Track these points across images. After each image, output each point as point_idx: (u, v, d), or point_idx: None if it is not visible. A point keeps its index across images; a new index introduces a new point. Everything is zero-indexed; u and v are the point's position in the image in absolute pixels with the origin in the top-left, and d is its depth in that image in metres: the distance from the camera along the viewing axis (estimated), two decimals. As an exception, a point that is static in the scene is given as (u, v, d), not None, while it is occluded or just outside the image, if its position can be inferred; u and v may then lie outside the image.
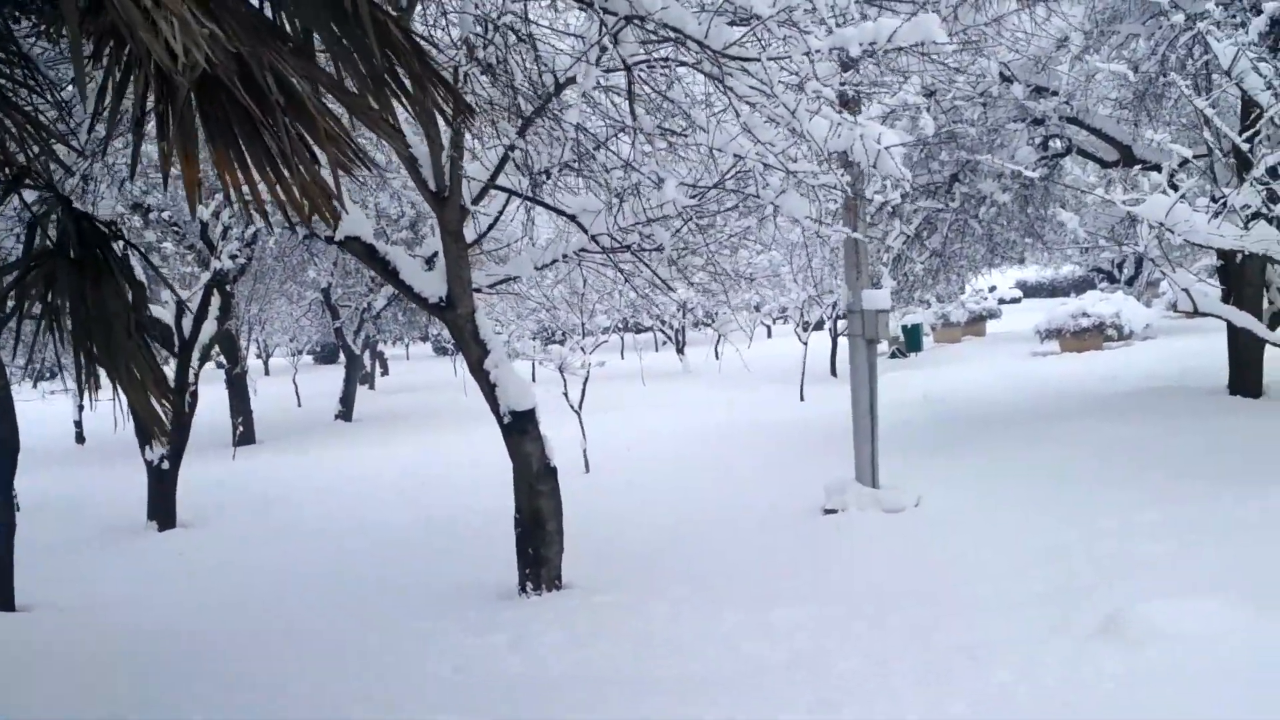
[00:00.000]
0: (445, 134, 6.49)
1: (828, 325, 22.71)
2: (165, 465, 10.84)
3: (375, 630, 6.25)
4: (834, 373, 22.07)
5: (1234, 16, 9.92)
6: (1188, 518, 7.04)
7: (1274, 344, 8.69)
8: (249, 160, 2.75)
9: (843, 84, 7.08)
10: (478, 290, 7.59)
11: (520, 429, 6.82)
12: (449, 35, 6.06)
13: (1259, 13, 8.44)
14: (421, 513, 10.25)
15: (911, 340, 26.72)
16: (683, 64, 5.27)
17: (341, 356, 22.32)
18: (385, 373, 35.28)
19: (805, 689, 4.55)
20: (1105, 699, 3.93)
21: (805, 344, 20.23)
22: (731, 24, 4.64)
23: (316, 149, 2.91)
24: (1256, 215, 8.12)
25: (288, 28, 3.19)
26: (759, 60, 4.39)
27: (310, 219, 3.07)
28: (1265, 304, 14.13)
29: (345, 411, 20.52)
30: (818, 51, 4.37)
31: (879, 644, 5.09)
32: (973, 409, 14.33)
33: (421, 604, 6.78)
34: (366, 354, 27.59)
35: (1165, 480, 8.40)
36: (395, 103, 3.41)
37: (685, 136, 5.73)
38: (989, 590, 5.88)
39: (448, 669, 5.39)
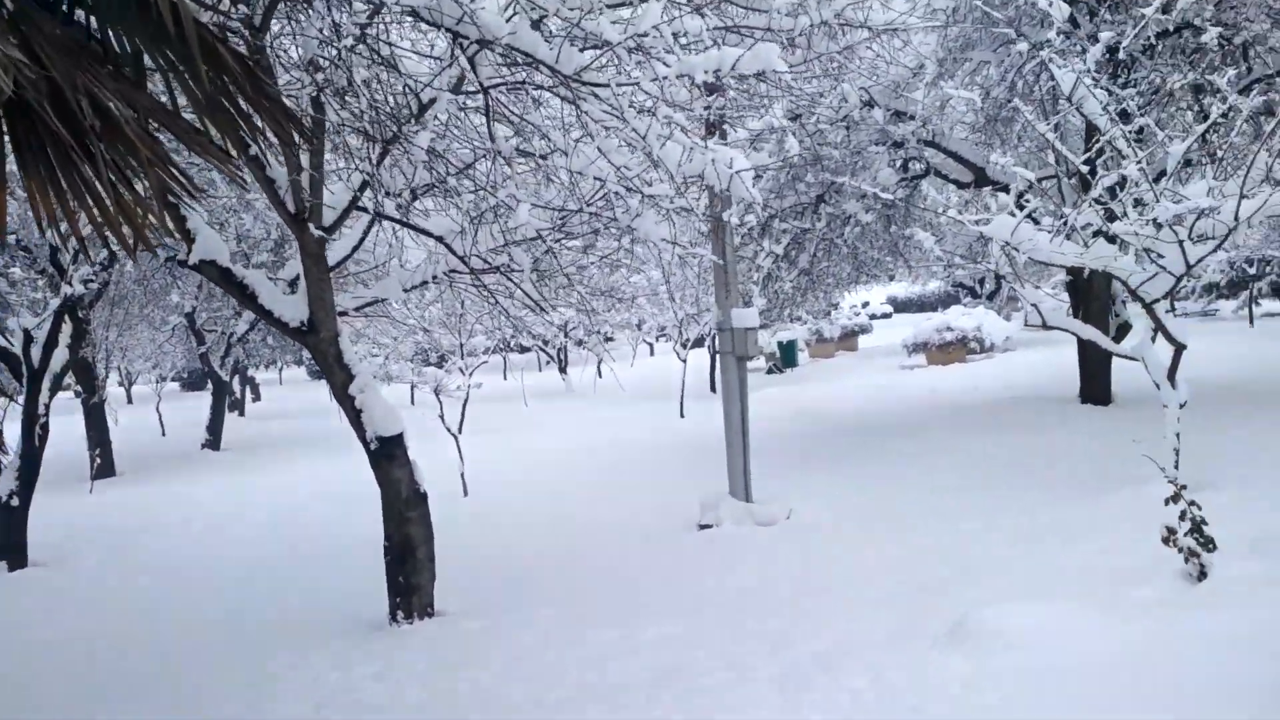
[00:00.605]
0: (305, 156, 6.37)
1: (707, 342, 23.06)
2: (14, 501, 10.25)
3: (236, 669, 6.03)
4: (714, 389, 22.39)
5: (1075, 45, 10.56)
6: (1038, 521, 7.41)
7: (1118, 355, 9.18)
8: (65, 187, 2.65)
9: (707, 109, 7.26)
10: (343, 313, 7.46)
11: (388, 455, 6.71)
12: (296, 53, 5.96)
13: (1096, 41, 8.99)
14: (291, 543, 9.97)
15: (787, 356, 27.34)
16: (538, 87, 5.31)
17: (208, 383, 21.51)
18: (257, 398, 34.15)
19: (670, 705, 4.60)
20: (952, 702, 4.08)
21: (684, 361, 20.49)
22: (582, 50, 4.71)
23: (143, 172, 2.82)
24: (1098, 233, 8.60)
25: (116, 50, 3.10)
26: (609, 85, 4.47)
27: (135, 247, 2.97)
28: (1111, 317, 15.00)
29: (213, 440, 19.76)
30: (665, 78, 4.47)
31: (742, 655, 5.18)
32: (845, 422, 14.74)
33: (287, 638, 6.57)
34: (236, 379, 26.65)
35: (1020, 485, 8.83)
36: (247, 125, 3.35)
37: (545, 160, 5.76)
38: (849, 597, 6.06)
39: (309, 708, 5.24)
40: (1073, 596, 5.11)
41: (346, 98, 5.40)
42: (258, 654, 6.29)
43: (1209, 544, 5.12)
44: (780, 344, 26.60)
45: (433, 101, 5.71)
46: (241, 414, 27.74)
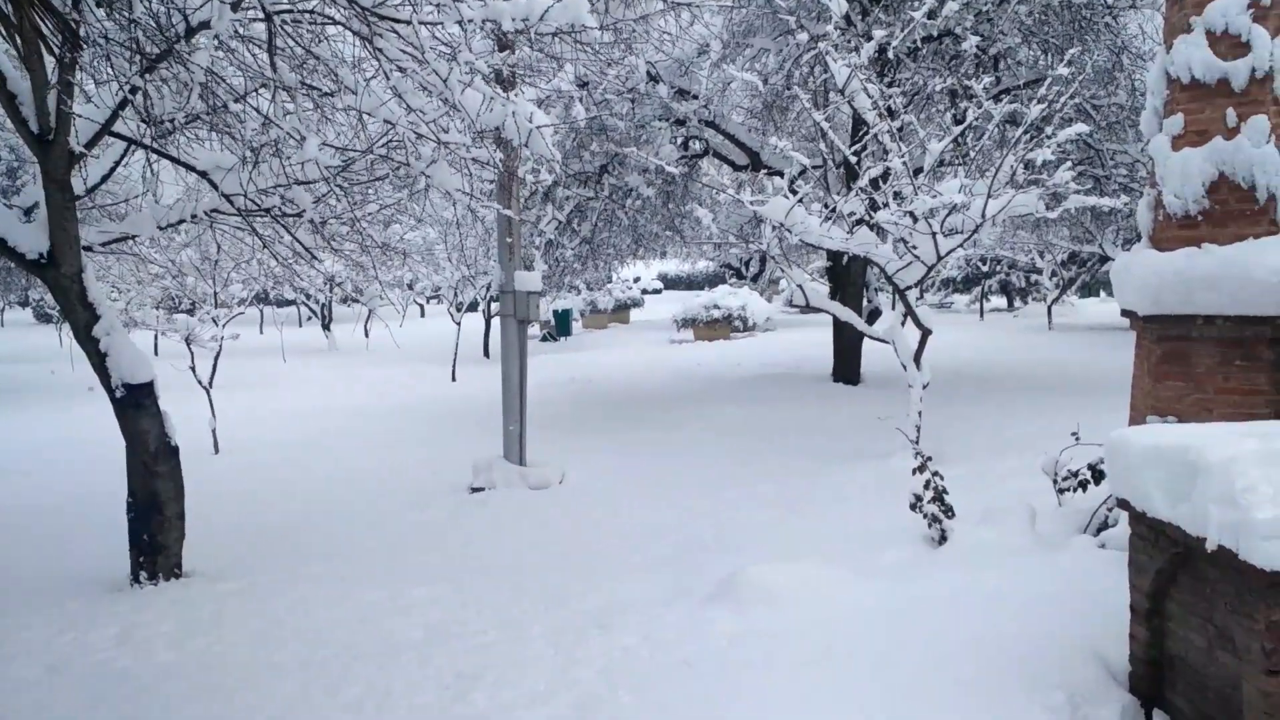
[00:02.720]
0: (52, 68, 5.70)
1: (481, 306, 22.77)
2: None
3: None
4: (487, 354, 22.17)
5: (849, 41, 11.16)
6: (796, 489, 7.85)
7: (871, 337, 9.85)
8: None
9: (498, 63, 7.10)
10: (88, 249, 6.77)
11: (135, 404, 6.17)
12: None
13: (870, 39, 9.53)
14: (16, 496, 9.01)
15: (561, 324, 27.50)
16: (329, 20, 5.00)
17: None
18: (-27, 342, 30.60)
19: (442, 662, 4.53)
20: (720, 655, 4.27)
21: (458, 324, 20.14)
22: (383, -18, 4.47)
23: None
24: (860, 221, 9.15)
25: None
26: (410, 23, 4.27)
27: None
28: (865, 301, 16.08)
29: (-82, 385, 17.55)
30: (470, 21, 4.32)
31: (515, 614, 5.17)
32: (617, 391, 15.01)
33: (12, 598, 5.92)
34: (-52, 319, 23.77)
35: (780, 456, 9.32)
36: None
37: (332, 97, 5.44)
38: (621, 557, 6.19)
39: (39, 669, 4.76)
40: (829, 558, 5.45)
41: (113, 5, 4.86)
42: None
43: (949, 511, 5.61)
44: (556, 312, 26.70)
45: (204, 24, 5.26)
46: (-48, 357, 24.79)
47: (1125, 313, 5.76)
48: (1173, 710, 3.63)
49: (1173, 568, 3.57)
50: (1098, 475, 5.52)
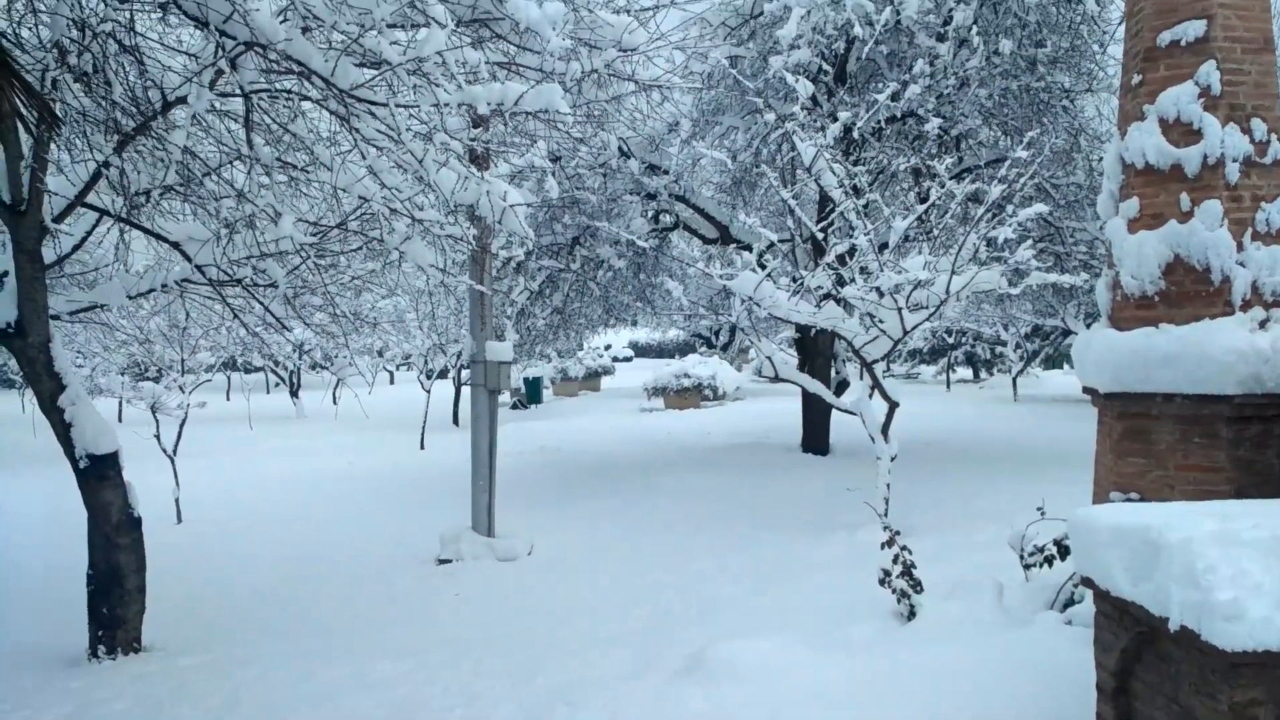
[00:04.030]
0: (26, 142, 5.74)
1: (451, 374, 22.73)
2: None
3: (-107, 712, 5.23)
4: (456, 421, 22.07)
5: (815, 121, 11.46)
6: (765, 561, 7.84)
7: (839, 409, 9.93)
8: None
9: (473, 140, 7.23)
10: (55, 317, 6.75)
11: (99, 475, 6.10)
12: (38, 36, 5.39)
13: (835, 120, 9.79)
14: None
15: (532, 392, 27.48)
16: (306, 98, 5.08)
17: None
18: (-70, 407, 30.00)
19: (406, 744, 4.45)
20: (687, 733, 4.23)
21: (428, 392, 20.08)
22: (360, 65, 4.57)
23: None
24: (828, 295, 9.29)
25: None
26: (386, 105, 4.36)
27: None
28: (833, 372, 16.23)
29: None
30: (446, 105, 4.42)
31: (482, 690, 5.10)
32: (587, 460, 14.96)
33: (-41, 676, 5.78)
34: (-94, 384, 23.38)
35: (748, 527, 9.31)
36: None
37: (307, 172, 5.51)
38: (588, 631, 6.14)
39: (-15, 751, 4.64)
40: (798, 632, 5.43)
41: (92, 84, 4.91)
42: (-78, 695, 5.49)
43: (917, 586, 5.62)
44: (526, 380, 26.69)
45: (181, 100, 5.34)
46: (-92, 423, 24.28)
47: (1087, 389, 5.88)
48: (1141, 790, 3.63)
49: (1137, 647, 3.60)
50: (1063, 551, 5.57)
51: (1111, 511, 3.75)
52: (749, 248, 10.72)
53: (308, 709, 4.95)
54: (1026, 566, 5.80)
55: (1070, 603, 5.32)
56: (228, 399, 28.03)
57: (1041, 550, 5.72)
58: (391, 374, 37.68)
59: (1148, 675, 3.60)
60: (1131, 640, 3.60)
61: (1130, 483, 5.54)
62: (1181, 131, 5.35)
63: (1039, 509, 6.04)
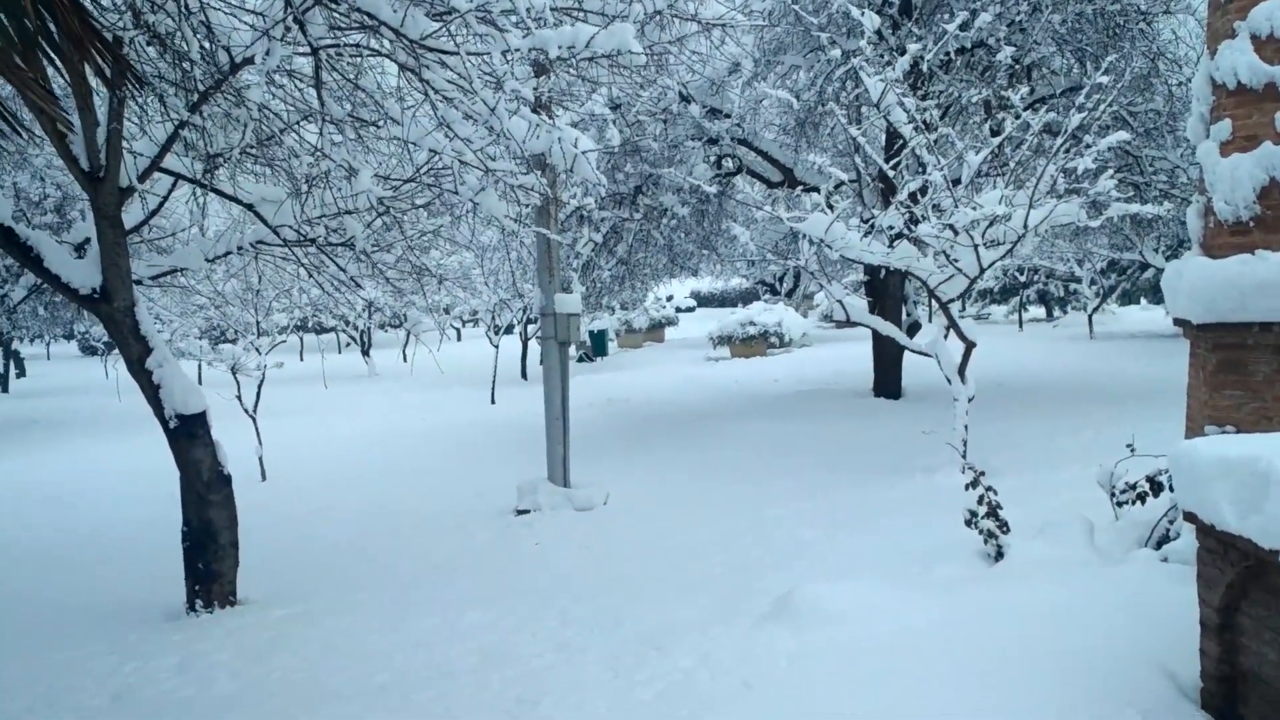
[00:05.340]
0: (101, 107, 5.83)
1: (518, 329, 22.88)
2: None
3: (17, 661, 5.47)
4: (524, 376, 22.25)
5: (882, 56, 11.15)
6: (841, 506, 7.79)
7: (913, 350, 9.78)
8: None
9: (536, 90, 7.16)
10: (138, 282, 6.90)
11: (188, 434, 6.26)
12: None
13: (904, 53, 9.52)
14: (73, 528, 9.14)
15: (597, 345, 27.55)
16: (376, 53, 5.07)
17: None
18: (21, 374, 31.16)
19: (500, 687, 4.53)
20: (780, 677, 4.23)
21: (496, 347, 20.26)
22: (427, 15, 4.52)
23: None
24: (899, 235, 9.10)
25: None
26: (458, 54, 4.32)
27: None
28: (904, 315, 15.97)
29: (-29, 418, 17.91)
30: (516, 50, 4.37)
31: (569, 637, 5.17)
32: (656, 410, 14.99)
33: (74, 628, 6.02)
34: (-1, 352, 24.30)
35: (821, 472, 9.25)
36: (48, 66, 3.02)
37: (377, 127, 5.51)
38: (669, 577, 6.17)
39: (104, 699, 4.82)
40: (883, 574, 5.39)
41: (168, 44, 4.95)
42: (42, 645, 5.73)
43: (1004, 526, 5.53)
44: (591, 333, 26.76)
45: (248, 60, 5.36)
46: (5, 390, 25.27)
47: (1178, 321, 5.68)
48: (1247, 727, 3.55)
49: (1244, 581, 3.49)
50: (1156, 487, 5.43)
51: (1216, 444, 3.62)
52: (815, 189, 10.50)
53: (400, 657, 5.07)
54: (1120, 504, 5.66)
55: (1165, 539, 5.19)
56: (301, 359, 28.61)
57: (1133, 487, 5.57)
58: (458, 331, 38.08)
59: (1254, 610, 3.49)
60: (1238, 575, 3.49)
61: (1226, 416, 5.36)
62: (1276, 48, 5.09)
63: (1128, 445, 5.89)
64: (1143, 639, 4.02)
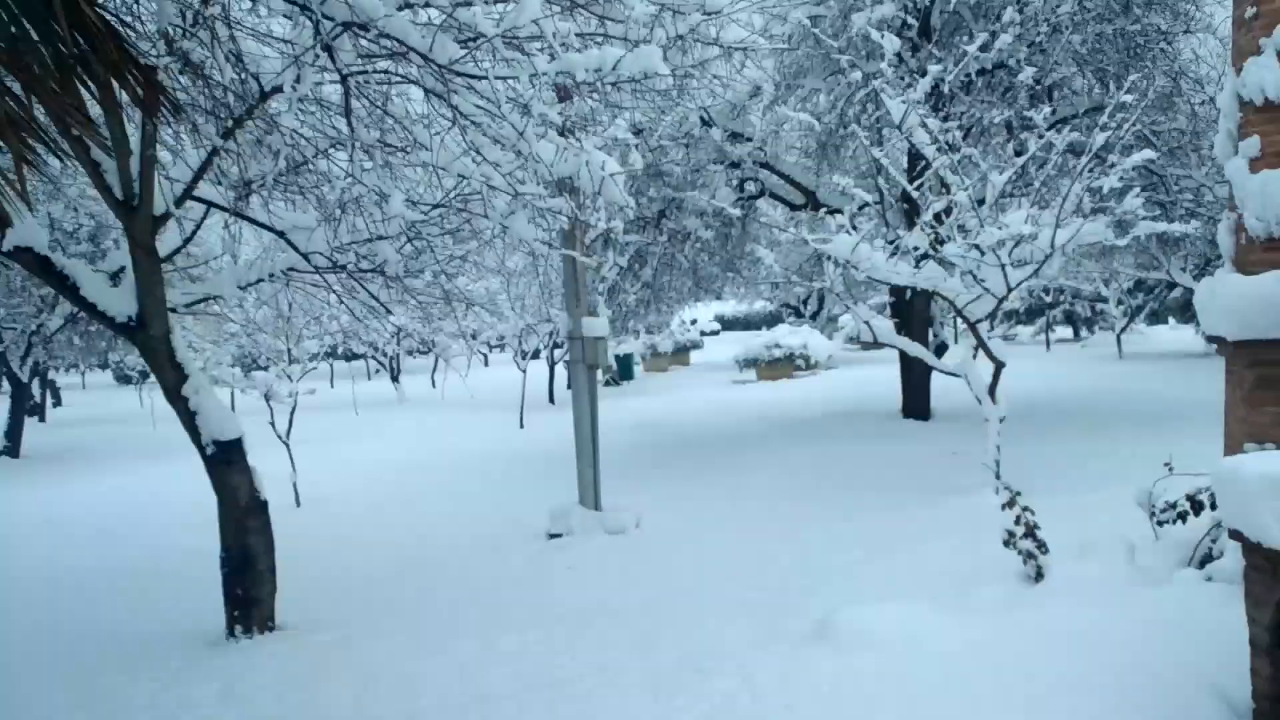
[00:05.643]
0: (133, 136, 5.92)
1: (544, 354, 22.94)
2: None
3: (59, 689, 5.49)
4: (552, 400, 22.29)
5: (902, 78, 11.16)
6: (876, 528, 7.71)
7: (942, 371, 9.72)
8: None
9: (562, 114, 7.22)
10: (172, 310, 6.98)
11: (225, 460, 6.30)
12: (141, 26, 5.54)
13: (924, 75, 9.51)
14: (112, 555, 9.17)
15: (623, 369, 27.58)
16: (404, 79, 5.12)
17: (5, 385, 19.69)
18: (57, 403, 31.52)
19: (542, 711, 4.50)
20: (823, 699, 4.18)
21: (524, 371, 20.32)
22: (455, 41, 4.57)
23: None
24: (925, 256, 9.07)
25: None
26: (485, 78, 4.36)
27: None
28: (930, 336, 15.90)
29: (11, 446, 18.07)
30: (544, 74, 4.40)
31: (607, 660, 5.13)
32: (685, 434, 14.96)
33: (115, 656, 6.02)
34: (35, 382, 24.60)
35: (854, 494, 9.19)
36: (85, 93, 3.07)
37: (405, 152, 5.56)
38: (708, 601, 6.12)
39: (146, 727, 4.84)
40: (922, 597, 5.32)
41: (200, 72, 5.03)
42: (82, 672, 5.74)
43: (1043, 546, 5.47)
44: (617, 357, 26.79)
45: (277, 89, 5.43)
46: (42, 419, 25.58)
47: (1212, 338, 5.61)
48: (1301, 748, 3.46)
49: (1294, 599, 3.43)
50: (1197, 506, 5.34)
51: (1262, 460, 3.56)
52: (837, 211, 10.50)
53: (442, 682, 5.05)
54: (1160, 524, 5.58)
55: (1208, 559, 5.10)
56: (332, 386, 28.81)
57: (1174, 506, 5.49)
58: (485, 356, 38.22)
59: (1307, 628, 3.42)
60: (1288, 592, 3.42)
61: (1265, 433, 5.27)
62: (1301, 64, 5.04)
63: (1166, 464, 5.81)
64: (1192, 659, 3.95)
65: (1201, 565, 5.08)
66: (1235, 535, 3.58)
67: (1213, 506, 5.18)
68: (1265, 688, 3.56)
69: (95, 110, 5.21)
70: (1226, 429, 5.80)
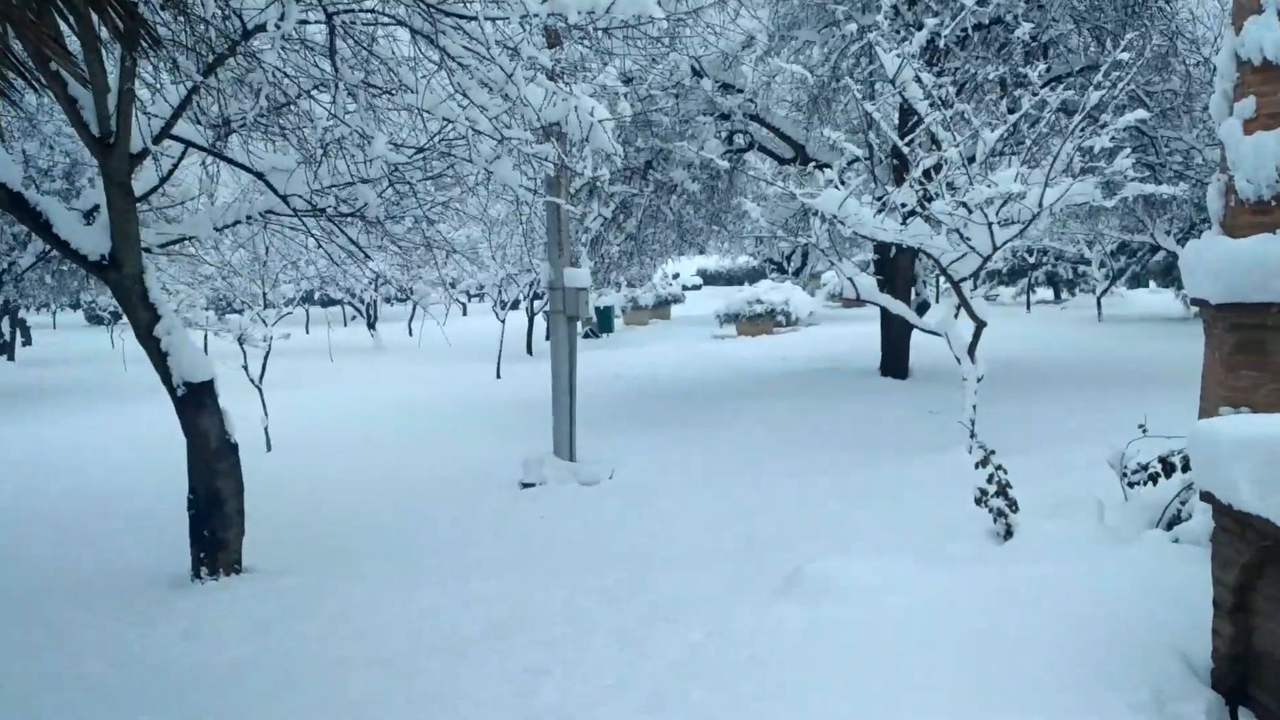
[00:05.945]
0: (111, 72, 5.78)
1: (524, 304, 22.82)
2: None
3: (20, 627, 5.48)
4: (530, 351, 22.23)
5: (898, 31, 11.03)
6: (851, 483, 7.77)
7: (923, 329, 9.72)
8: None
9: (554, 60, 7.10)
10: (146, 250, 6.87)
11: (196, 402, 6.25)
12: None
13: (920, 28, 9.41)
14: (79, 495, 9.12)
15: (604, 321, 27.50)
16: (392, 19, 5.01)
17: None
18: (27, 342, 31.18)
19: (509, 658, 4.53)
20: (790, 651, 4.23)
21: (503, 322, 20.22)
22: (445, -22, 4.47)
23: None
24: (912, 213, 9.03)
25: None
26: (475, 18, 4.26)
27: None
28: (912, 295, 15.91)
29: (-22, 385, 17.94)
30: (535, 15, 4.31)
31: (579, 608, 5.17)
32: (663, 387, 14.96)
33: (79, 595, 6.00)
34: (5, 321, 24.32)
35: (830, 450, 9.23)
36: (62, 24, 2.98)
37: (390, 94, 5.45)
38: (680, 552, 6.16)
39: (103, 665, 4.82)
40: (893, 551, 5.38)
41: (181, 7, 4.90)
42: (46, 611, 5.72)
43: (1014, 505, 5.52)
44: (598, 309, 26.70)
45: (260, 27, 5.30)
46: (11, 358, 25.32)
47: (1195, 301, 5.63)
48: (1259, 707, 3.53)
49: (1260, 561, 3.47)
50: (1168, 468, 5.39)
51: (1236, 423, 3.59)
52: (827, 166, 10.42)
53: (409, 627, 5.07)
54: (1131, 485, 5.63)
55: (1176, 520, 5.17)
56: (307, 332, 28.61)
57: (1145, 468, 5.54)
58: (464, 305, 38.03)
59: (1270, 590, 3.47)
60: (1254, 555, 3.47)
61: (1242, 397, 5.31)
62: (1305, 24, 5.01)
63: (1140, 426, 5.85)
64: (1154, 618, 4.01)
65: (1169, 527, 5.14)
66: (1206, 497, 3.62)
67: (1184, 469, 5.24)
68: (1226, 648, 3.63)
69: (74, 46, 5.09)
70: (1203, 392, 5.85)
